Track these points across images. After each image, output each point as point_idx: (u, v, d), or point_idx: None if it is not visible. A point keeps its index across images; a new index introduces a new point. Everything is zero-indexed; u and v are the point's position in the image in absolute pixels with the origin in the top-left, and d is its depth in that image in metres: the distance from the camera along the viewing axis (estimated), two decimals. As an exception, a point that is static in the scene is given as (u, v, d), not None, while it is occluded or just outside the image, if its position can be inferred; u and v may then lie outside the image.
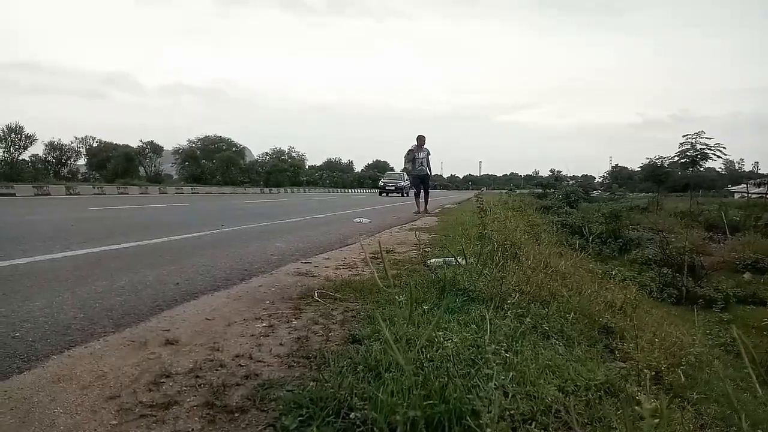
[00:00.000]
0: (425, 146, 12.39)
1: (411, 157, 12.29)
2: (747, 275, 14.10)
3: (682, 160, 24.60)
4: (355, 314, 2.59)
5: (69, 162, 32.00)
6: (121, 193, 20.50)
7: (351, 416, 1.34)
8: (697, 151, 23.39)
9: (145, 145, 39.73)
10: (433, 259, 4.19)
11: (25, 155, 31.22)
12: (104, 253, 4.44)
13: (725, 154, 24.23)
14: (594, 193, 55.79)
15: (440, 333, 2.14)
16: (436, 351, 1.98)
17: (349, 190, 46.60)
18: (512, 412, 1.49)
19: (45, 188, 17.26)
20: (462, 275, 3.40)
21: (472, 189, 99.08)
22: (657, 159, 30.89)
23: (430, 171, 12.71)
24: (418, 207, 12.59)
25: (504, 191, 69.12)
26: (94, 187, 20.50)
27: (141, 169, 40.49)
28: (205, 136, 53.21)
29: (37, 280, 3.25)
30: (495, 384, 1.44)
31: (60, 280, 3.25)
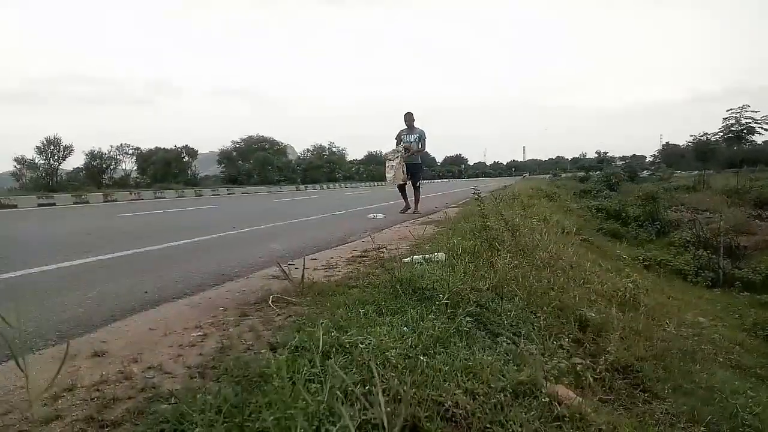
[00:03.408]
0: (417, 126, 9.99)
1: (398, 141, 10.03)
2: (792, 254, 13.39)
3: (727, 136, 23.56)
4: (296, 319, 2.60)
5: (108, 169, 33.38)
6: (158, 198, 21.22)
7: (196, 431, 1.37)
8: (743, 125, 22.34)
9: (180, 149, 40.88)
10: (413, 257, 4.15)
11: (68, 166, 33.05)
12: (97, 263, 4.61)
13: (774, 128, 22.97)
14: (644, 174, 54.02)
15: (358, 338, 2.13)
16: (345, 357, 1.98)
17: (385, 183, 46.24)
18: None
19: (83, 196, 18.07)
20: (427, 272, 3.35)
21: (515, 175, 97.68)
22: (702, 136, 29.52)
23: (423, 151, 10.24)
24: (406, 202, 10.26)
25: (547, 176, 68.12)
26: (131, 193, 21.25)
27: (189, 172, 41.62)
28: (248, 137, 54.27)
29: (15, 293, 3.42)
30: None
31: (35, 292, 3.40)
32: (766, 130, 22.60)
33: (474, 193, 5.81)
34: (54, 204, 16.33)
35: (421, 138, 9.89)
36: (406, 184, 10.07)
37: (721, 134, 24.72)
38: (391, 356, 1.97)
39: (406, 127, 9.93)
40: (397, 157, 9.77)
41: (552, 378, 2.25)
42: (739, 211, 18.15)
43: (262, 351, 2.10)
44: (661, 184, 30.74)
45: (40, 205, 16.03)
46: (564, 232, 9.49)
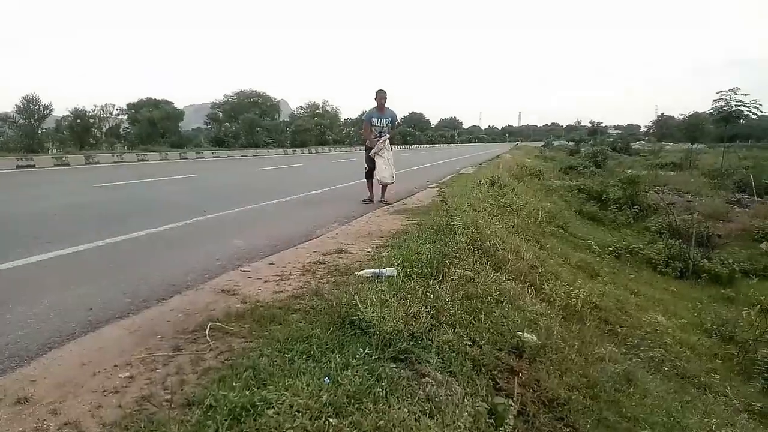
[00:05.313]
0: (388, 107, 9.03)
1: (369, 123, 9.03)
2: (765, 245, 13.61)
3: (716, 118, 23.68)
4: (227, 357, 2.66)
5: (93, 129, 33.04)
6: (141, 160, 21.00)
7: None
8: (732, 108, 22.40)
9: (167, 109, 40.18)
10: (363, 271, 4.21)
11: (57, 114, 32.87)
12: (54, 261, 4.62)
13: (761, 111, 23.06)
14: (637, 144, 54.34)
15: (275, 395, 2.20)
16: (254, 423, 2.05)
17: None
18: None
19: (64, 158, 17.76)
20: (371, 296, 3.39)
21: (509, 141, 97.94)
22: (690, 114, 29.61)
23: (391, 141, 9.04)
24: (370, 191, 9.23)
25: (540, 144, 68.22)
26: (113, 155, 20.91)
27: (177, 129, 41.26)
28: (240, 90, 53.10)
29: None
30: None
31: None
32: (754, 114, 22.69)
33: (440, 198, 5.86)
34: (33, 166, 16.10)
35: (393, 122, 9.14)
36: (373, 169, 9.08)
37: (712, 113, 24.82)
38: (298, 423, 2.04)
39: (376, 106, 8.95)
40: (386, 149, 8.91)
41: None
42: (718, 196, 18.34)
43: (178, 407, 2.17)
44: (649, 160, 30.93)
45: (18, 167, 15.81)
46: (537, 222, 9.63)
